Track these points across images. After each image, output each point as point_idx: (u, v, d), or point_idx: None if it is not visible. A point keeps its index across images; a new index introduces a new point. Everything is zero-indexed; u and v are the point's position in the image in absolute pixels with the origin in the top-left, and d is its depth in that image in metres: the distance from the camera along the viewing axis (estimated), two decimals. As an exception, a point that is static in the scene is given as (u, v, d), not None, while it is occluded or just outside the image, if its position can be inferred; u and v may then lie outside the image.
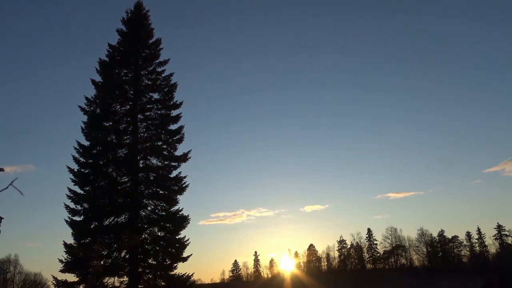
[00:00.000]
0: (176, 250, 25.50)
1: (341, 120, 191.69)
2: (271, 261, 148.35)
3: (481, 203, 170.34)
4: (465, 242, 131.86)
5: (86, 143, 25.85)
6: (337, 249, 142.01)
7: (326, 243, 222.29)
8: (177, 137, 27.51)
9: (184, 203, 27.03)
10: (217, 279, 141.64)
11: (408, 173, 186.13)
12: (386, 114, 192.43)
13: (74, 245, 23.84)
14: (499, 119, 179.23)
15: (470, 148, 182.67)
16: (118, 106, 27.38)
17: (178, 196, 26.48)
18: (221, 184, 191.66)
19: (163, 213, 26.19)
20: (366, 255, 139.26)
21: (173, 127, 27.77)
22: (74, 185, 24.99)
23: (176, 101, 28.27)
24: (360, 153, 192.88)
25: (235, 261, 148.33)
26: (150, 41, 28.76)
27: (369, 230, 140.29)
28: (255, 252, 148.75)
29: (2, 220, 13.24)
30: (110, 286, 24.28)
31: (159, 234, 25.84)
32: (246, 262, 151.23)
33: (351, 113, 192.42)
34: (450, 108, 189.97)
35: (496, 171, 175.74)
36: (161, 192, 26.46)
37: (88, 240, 24.11)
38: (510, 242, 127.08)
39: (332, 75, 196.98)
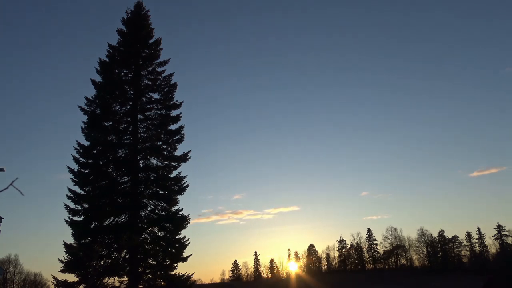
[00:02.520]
0: (176, 250, 25.47)
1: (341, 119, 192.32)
2: (271, 261, 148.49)
3: (481, 203, 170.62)
4: (465, 242, 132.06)
5: (86, 143, 25.82)
6: (337, 249, 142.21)
7: (326, 243, 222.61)
8: (177, 137, 27.48)
9: (183, 203, 27.07)
10: (217, 279, 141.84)
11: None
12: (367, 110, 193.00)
13: (74, 245, 23.79)
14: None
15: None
16: (118, 106, 27.35)
17: (178, 196, 26.46)
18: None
19: (163, 213, 26.15)
20: (366, 255, 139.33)
21: (173, 127, 27.76)
22: (74, 185, 24.97)
23: (176, 101, 28.27)
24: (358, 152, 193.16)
25: (235, 261, 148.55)
26: (150, 41, 28.73)
27: (369, 230, 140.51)
28: (255, 252, 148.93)
29: (2, 220, 13.25)
30: (110, 286, 24.26)
31: (159, 234, 25.80)
32: (246, 262, 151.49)
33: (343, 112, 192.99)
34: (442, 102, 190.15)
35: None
36: (161, 192, 26.42)
37: (88, 240, 24.08)
38: (510, 242, 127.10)
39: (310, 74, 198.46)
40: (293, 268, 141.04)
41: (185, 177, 26.73)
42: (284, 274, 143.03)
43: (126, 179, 26.19)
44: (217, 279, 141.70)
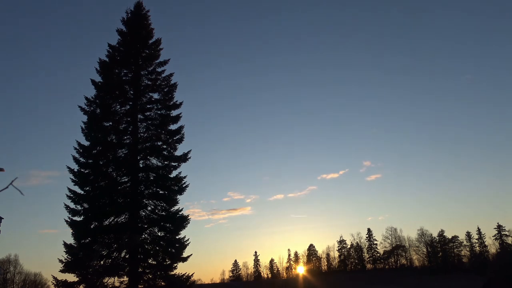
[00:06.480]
0: (176, 250, 25.48)
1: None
2: (271, 261, 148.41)
3: (481, 203, 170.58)
4: (465, 242, 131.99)
5: (86, 143, 25.81)
6: (337, 249, 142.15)
7: (326, 243, 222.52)
8: (177, 137, 27.47)
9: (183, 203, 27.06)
10: (217, 279, 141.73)
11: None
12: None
13: (74, 245, 23.79)
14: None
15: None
16: (118, 106, 27.34)
17: (178, 196, 26.47)
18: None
19: (163, 213, 26.16)
20: (366, 255, 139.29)
21: (173, 127, 27.76)
22: (74, 185, 24.96)
23: (176, 101, 28.27)
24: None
25: (235, 261, 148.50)
26: (150, 41, 28.72)
27: (369, 230, 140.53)
28: (255, 252, 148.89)
29: (2, 220, 13.26)
30: (110, 286, 24.25)
31: (159, 234, 25.80)
32: (246, 262, 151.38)
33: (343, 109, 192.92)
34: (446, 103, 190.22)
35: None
36: (161, 192, 26.43)
37: (88, 240, 24.07)
38: (510, 242, 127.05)
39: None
40: (293, 268, 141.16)
41: (185, 177, 26.79)
42: (284, 274, 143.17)
43: (126, 179, 26.19)
44: (217, 279, 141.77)
